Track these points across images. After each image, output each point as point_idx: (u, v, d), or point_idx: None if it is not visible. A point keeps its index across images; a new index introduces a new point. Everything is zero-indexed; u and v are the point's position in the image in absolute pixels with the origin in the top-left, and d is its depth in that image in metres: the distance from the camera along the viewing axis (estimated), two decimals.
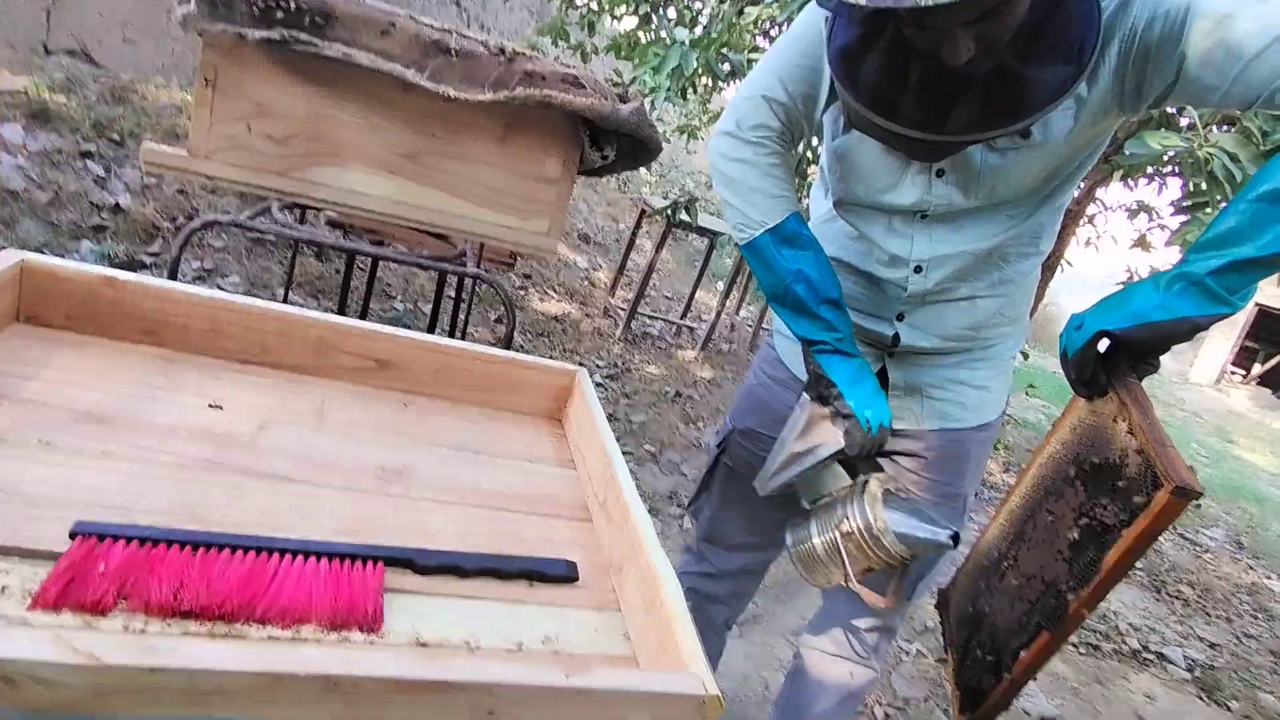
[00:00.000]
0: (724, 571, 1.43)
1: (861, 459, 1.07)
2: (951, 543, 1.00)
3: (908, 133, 0.91)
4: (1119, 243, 4.13)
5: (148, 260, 2.96)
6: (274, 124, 1.24)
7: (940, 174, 1.03)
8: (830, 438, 1.08)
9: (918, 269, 1.10)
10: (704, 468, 1.41)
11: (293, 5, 1.10)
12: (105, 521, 0.59)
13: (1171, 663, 2.98)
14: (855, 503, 1.03)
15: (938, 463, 1.19)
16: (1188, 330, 0.86)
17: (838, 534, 1.04)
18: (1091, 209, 3.76)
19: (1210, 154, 1.88)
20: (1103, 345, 0.92)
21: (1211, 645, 3.27)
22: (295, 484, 0.76)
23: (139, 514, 0.64)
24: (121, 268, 1.14)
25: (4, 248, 0.87)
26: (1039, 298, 3.62)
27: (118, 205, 3.10)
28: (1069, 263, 3.77)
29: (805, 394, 1.12)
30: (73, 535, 0.57)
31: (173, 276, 1.14)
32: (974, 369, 1.17)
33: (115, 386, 0.81)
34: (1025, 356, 4.06)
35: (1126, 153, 1.72)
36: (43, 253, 0.90)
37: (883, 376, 1.18)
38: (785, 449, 1.13)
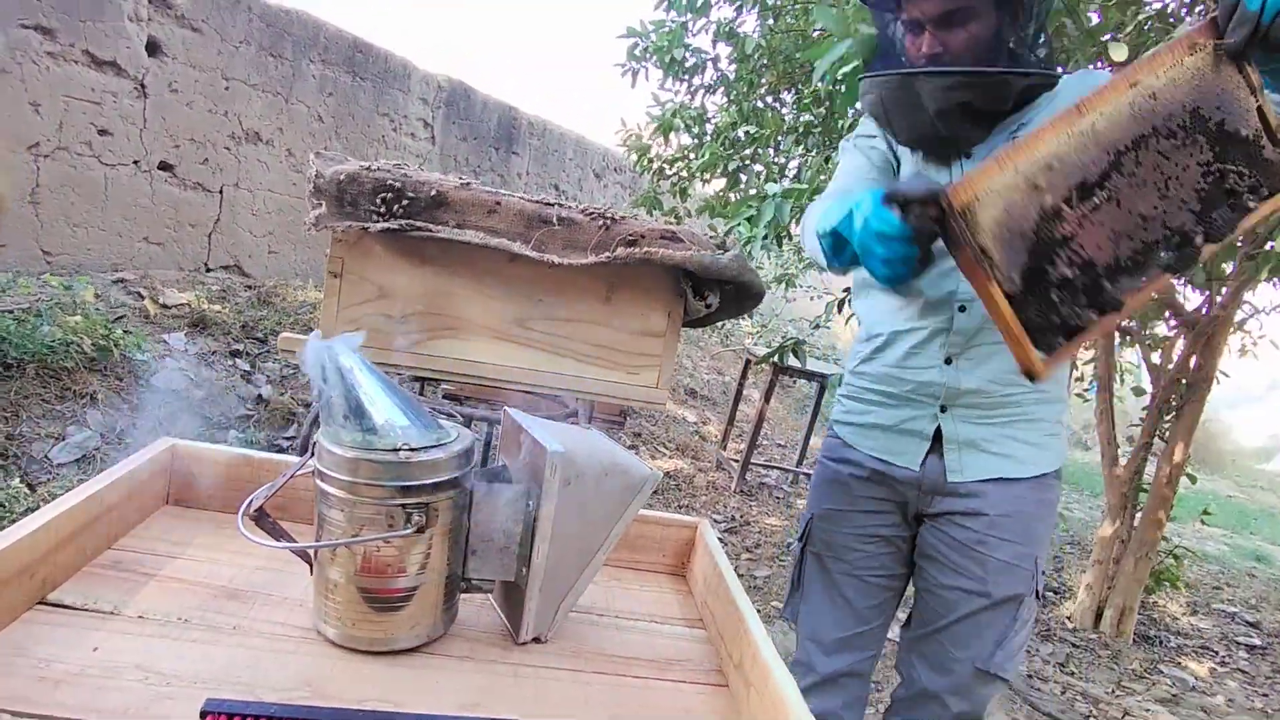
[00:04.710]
0: (830, 677, 1.38)
1: None
2: None
3: (966, 69, 1.07)
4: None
5: (285, 444, 3.16)
6: (393, 304, 1.31)
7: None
8: None
9: (962, 308, 1.18)
10: (792, 566, 1.42)
11: (409, 198, 1.20)
12: (233, 699, 0.59)
13: None
14: None
15: (1002, 520, 1.22)
16: None
17: None
18: (1239, 315, 3.51)
19: None
20: None
21: None
22: (418, 655, 0.74)
23: (265, 691, 0.63)
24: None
25: None
26: (1199, 413, 3.34)
27: (260, 396, 3.36)
28: (1225, 374, 3.49)
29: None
30: (203, 715, 0.57)
31: (304, 454, 1.20)
32: (1023, 429, 1.23)
33: (249, 562, 0.84)
34: (1193, 480, 3.67)
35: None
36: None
37: (938, 436, 1.24)
38: None
